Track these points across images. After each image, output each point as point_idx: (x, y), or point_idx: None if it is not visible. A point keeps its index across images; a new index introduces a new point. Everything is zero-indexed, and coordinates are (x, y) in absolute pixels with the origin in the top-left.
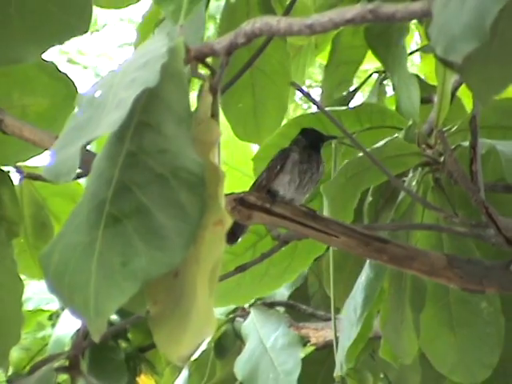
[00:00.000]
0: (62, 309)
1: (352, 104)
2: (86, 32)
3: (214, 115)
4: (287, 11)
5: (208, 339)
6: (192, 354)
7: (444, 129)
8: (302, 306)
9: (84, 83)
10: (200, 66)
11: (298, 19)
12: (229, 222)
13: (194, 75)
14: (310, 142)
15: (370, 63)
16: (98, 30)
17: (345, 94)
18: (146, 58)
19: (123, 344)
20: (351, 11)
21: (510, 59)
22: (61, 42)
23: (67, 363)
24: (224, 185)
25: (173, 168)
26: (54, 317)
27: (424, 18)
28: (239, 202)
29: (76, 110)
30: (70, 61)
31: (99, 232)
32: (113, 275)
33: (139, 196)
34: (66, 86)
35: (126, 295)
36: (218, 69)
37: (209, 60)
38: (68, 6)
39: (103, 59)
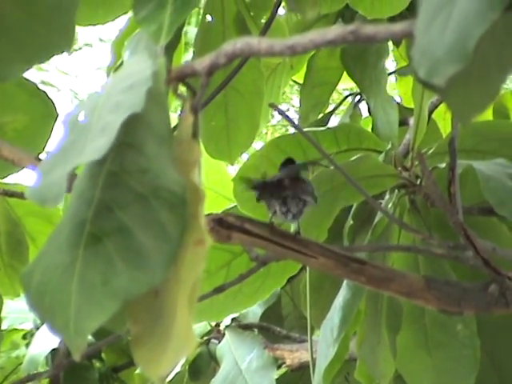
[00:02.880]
0: (37, 328)
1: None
2: (70, 49)
3: (195, 135)
4: (264, 31)
5: (182, 361)
6: (170, 373)
7: (421, 151)
8: (277, 328)
9: (59, 104)
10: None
11: (278, 40)
12: (209, 241)
13: (175, 95)
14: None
15: (346, 83)
16: (76, 50)
17: (321, 115)
18: (130, 80)
19: (97, 364)
20: (332, 32)
21: (489, 81)
22: (44, 60)
23: (47, 382)
24: (204, 204)
25: (154, 188)
26: (28, 336)
27: (405, 38)
28: (218, 222)
29: (60, 132)
30: (43, 82)
31: (80, 251)
32: (93, 294)
33: (120, 216)
34: (44, 104)
35: (106, 314)
36: (198, 89)
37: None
38: (51, 24)
39: (81, 80)
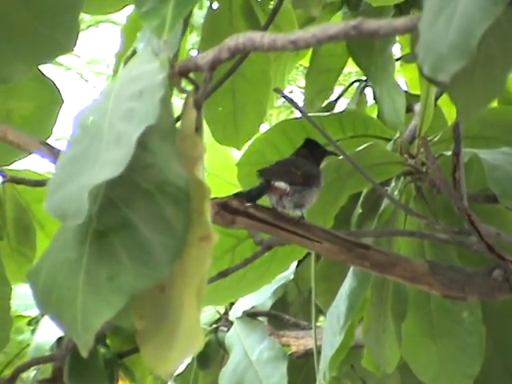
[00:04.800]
0: (42, 315)
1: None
2: (74, 49)
3: (198, 130)
4: (271, 17)
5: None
6: (177, 369)
7: (426, 137)
8: (285, 316)
9: (67, 85)
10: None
11: (281, 35)
12: (215, 237)
13: (178, 90)
14: (312, 155)
15: (353, 67)
16: (82, 30)
17: (327, 102)
18: (139, 84)
19: (102, 350)
20: (334, 27)
21: (493, 75)
22: (49, 60)
23: (51, 375)
24: (209, 200)
25: (158, 183)
26: (33, 322)
27: (407, 33)
28: (222, 206)
29: (69, 137)
30: (53, 62)
31: (86, 248)
32: (99, 290)
33: (125, 211)
34: (50, 91)
35: (112, 310)
36: (201, 83)
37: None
38: (56, 25)
39: (87, 61)
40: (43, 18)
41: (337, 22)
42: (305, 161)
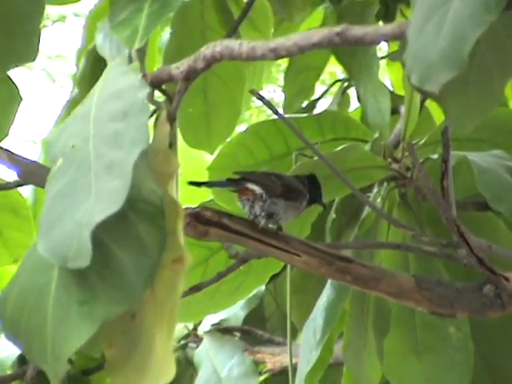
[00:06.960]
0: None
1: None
2: (34, 60)
3: (172, 145)
4: (245, 11)
5: None
6: None
7: (412, 142)
8: (259, 332)
9: (32, 84)
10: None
11: (260, 43)
12: (188, 259)
13: (150, 102)
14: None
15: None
16: (46, 26)
17: (307, 102)
18: (121, 103)
19: None
20: (318, 34)
21: (489, 87)
22: (6, 71)
23: None
24: (182, 220)
25: (131, 200)
26: None
27: (395, 40)
28: (195, 217)
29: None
30: None
31: (55, 271)
32: (70, 316)
33: (96, 231)
34: (8, 89)
35: (83, 337)
36: (175, 95)
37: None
38: (15, 34)
39: (51, 56)
40: (2, 28)
41: (320, 29)
42: (294, 179)
